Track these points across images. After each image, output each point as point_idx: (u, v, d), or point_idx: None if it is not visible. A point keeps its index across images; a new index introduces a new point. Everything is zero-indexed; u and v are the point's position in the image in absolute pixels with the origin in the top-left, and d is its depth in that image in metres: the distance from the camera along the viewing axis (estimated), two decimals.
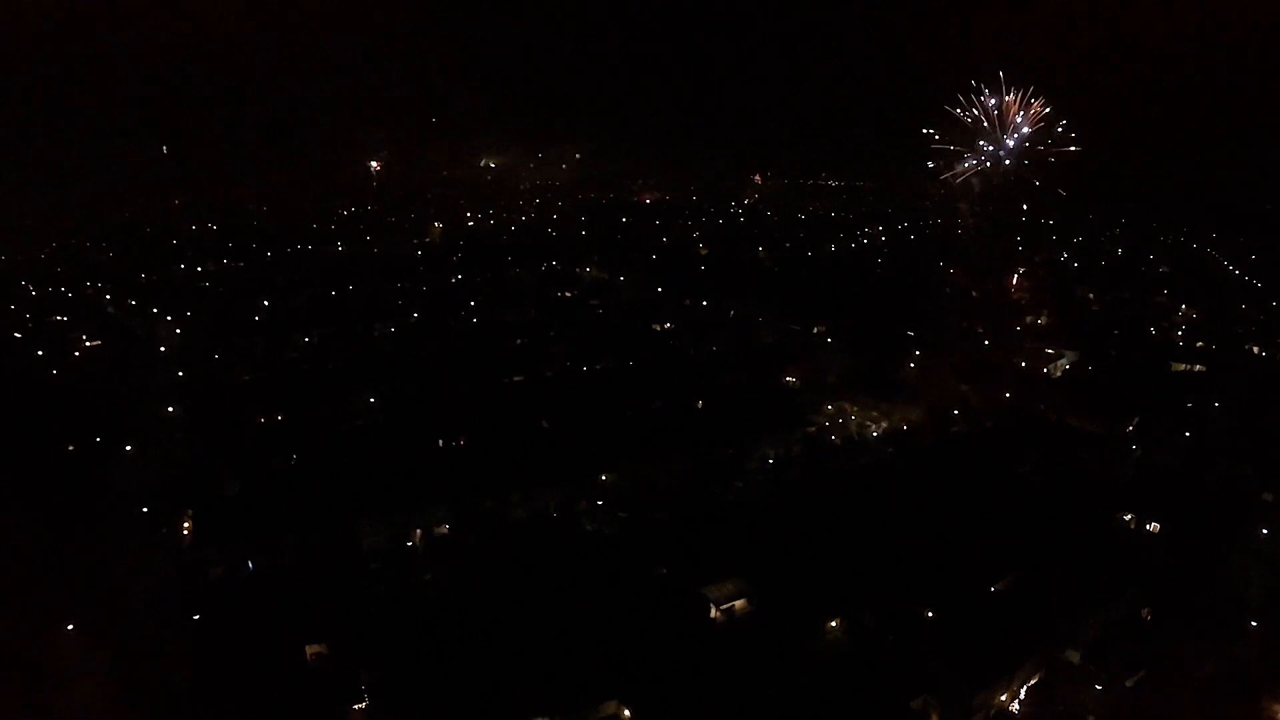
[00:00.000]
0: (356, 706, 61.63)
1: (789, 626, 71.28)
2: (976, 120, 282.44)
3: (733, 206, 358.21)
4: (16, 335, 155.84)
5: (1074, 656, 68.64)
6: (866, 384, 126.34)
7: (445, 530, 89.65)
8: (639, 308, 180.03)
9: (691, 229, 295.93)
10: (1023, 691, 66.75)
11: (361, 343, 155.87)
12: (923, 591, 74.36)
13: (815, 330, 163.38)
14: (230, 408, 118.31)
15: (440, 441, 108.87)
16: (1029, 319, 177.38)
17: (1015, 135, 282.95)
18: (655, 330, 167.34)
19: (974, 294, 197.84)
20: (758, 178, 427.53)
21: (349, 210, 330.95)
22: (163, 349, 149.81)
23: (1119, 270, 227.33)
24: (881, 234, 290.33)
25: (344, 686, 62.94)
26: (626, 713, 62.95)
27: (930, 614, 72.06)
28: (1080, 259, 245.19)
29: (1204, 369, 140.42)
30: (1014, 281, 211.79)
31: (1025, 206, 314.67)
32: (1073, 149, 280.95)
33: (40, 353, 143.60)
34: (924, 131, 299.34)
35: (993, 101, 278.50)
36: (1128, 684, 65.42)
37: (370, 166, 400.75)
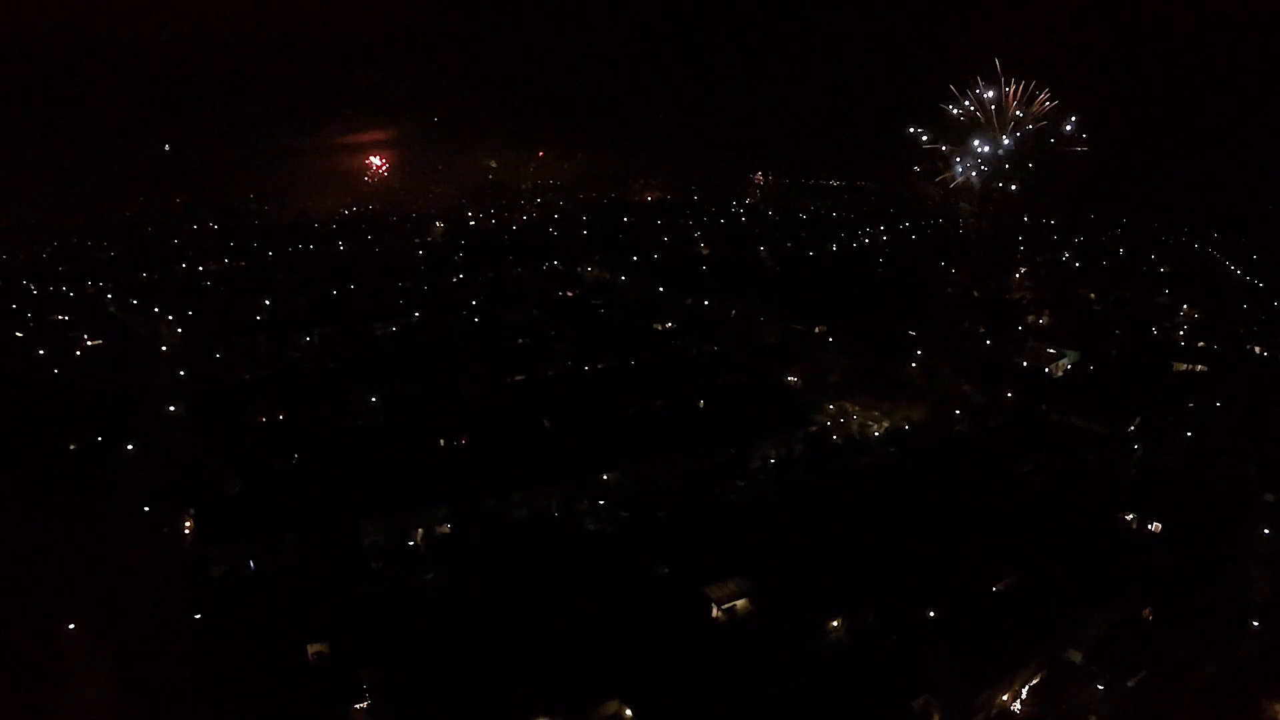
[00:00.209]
0: (358, 706, 61.72)
1: (790, 626, 71.26)
2: (971, 115, 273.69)
3: (734, 206, 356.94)
4: (18, 334, 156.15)
5: (1076, 656, 68.47)
6: (868, 383, 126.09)
7: (447, 529, 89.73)
8: (640, 307, 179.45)
9: (693, 228, 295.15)
10: (1024, 691, 66.71)
11: (363, 342, 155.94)
12: (924, 591, 74.29)
13: (817, 330, 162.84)
14: (231, 407, 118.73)
15: (442, 441, 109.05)
16: (1030, 319, 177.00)
17: (1017, 133, 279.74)
18: (657, 330, 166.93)
19: (975, 294, 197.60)
20: (759, 177, 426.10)
21: (349, 210, 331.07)
22: (164, 348, 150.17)
23: (1120, 270, 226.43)
24: (883, 234, 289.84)
25: (345, 686, 63.07)
26: (628, 712, 62.97)
27: (932, 614, 72.02)
28: (1081, 259, 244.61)
29: (1206, 369, 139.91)
30: (1015, 281, 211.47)
31: (1026, 207, 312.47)
32: (1080, 149, 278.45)
33: (41, 352, 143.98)
34: (910, 131, 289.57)
35: (990, 94, 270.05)
36: (1129, 684, 65.20)
37: (371, 165, 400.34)
